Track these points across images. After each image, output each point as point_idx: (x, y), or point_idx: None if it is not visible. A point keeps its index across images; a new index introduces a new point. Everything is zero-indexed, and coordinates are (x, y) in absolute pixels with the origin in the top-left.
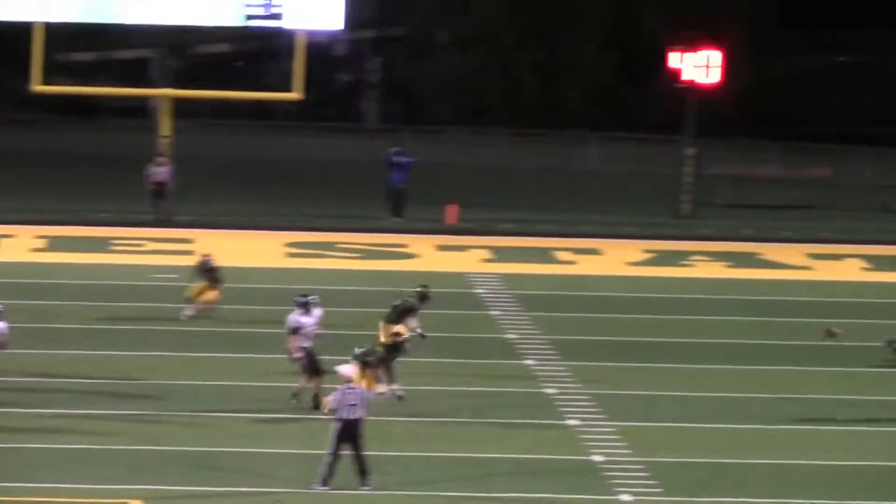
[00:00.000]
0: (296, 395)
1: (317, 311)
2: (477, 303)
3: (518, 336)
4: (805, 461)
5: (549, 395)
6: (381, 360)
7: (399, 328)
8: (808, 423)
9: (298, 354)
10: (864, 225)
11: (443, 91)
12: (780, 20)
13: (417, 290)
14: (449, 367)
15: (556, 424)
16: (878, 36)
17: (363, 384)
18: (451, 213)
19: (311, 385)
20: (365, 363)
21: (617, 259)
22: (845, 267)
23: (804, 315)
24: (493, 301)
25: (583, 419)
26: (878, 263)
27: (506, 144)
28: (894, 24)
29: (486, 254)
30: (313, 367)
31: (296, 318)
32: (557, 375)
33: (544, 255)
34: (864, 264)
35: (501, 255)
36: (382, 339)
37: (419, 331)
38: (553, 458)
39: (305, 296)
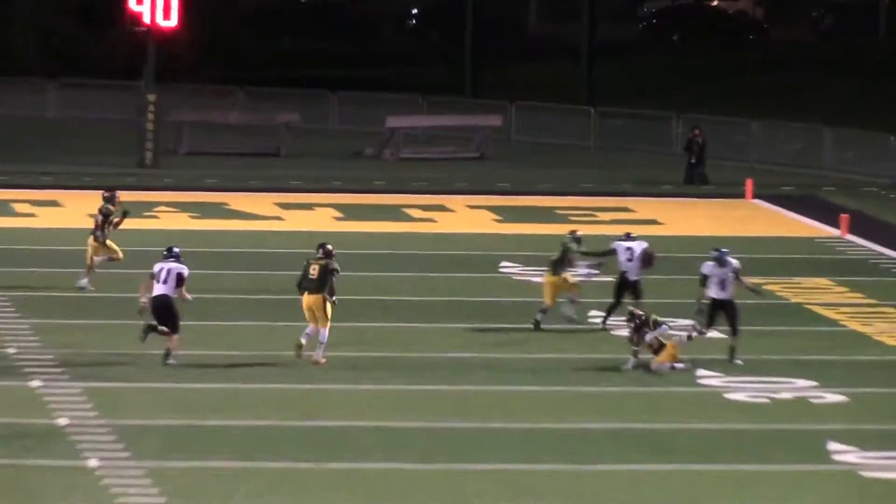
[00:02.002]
0: None
1: None
2: None
3: None
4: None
5: (9, 354)
6: None
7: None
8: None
9: None
10: (335, 173)
11: None
12: None
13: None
14: None
15: (17, 386)
16: None
17: None
18: None
19: None
20: None
21: (79, 211)
22: (317, 216)
23: (280, 268)
24: None
25: (45, 380)
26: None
27: None
28: None
29: None
30: None
31: None
32: (19, 333)
33: (2, 208)
34: (335, 213)
35: None
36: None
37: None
38: (15, 423)
39: None
